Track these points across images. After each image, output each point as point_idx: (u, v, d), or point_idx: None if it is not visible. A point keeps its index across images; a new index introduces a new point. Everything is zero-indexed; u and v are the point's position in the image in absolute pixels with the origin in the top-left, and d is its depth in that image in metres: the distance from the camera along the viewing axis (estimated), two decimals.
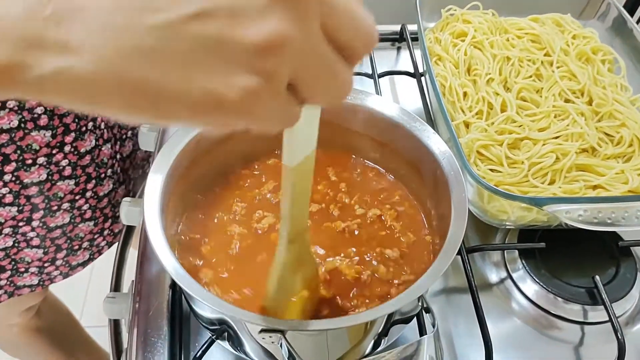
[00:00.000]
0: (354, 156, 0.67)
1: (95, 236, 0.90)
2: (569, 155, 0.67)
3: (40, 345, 1.15)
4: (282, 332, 0.47)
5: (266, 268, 0.51)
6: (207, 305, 0.46)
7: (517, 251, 0.69)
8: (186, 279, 0.48)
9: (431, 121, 0.79)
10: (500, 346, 0.62)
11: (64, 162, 0.77)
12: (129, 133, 0.91)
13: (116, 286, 0.81)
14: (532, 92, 0.75)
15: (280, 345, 0.48)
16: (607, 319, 0.62)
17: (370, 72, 0.87)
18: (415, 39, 0.91)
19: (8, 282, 0.84)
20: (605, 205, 0.59)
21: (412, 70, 0.88)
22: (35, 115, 0.72)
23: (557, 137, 0.69)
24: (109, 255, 1.05)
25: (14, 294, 0.85)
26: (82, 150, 0.79)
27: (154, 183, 0.54)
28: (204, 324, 0.58)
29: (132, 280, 0.70)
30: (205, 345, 0.58)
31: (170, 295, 0.65)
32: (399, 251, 0.59)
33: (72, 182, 0.79)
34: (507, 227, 0.70)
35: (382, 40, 0.97)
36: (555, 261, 0.68)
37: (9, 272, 0.82)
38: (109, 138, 0.84)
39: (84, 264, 0.90)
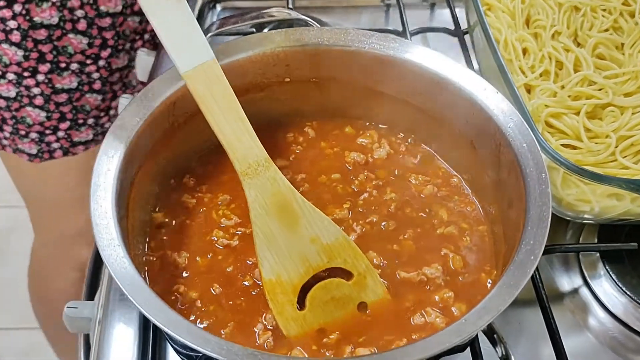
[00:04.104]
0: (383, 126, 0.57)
1: (102, 114, 0.88)
2: None
3: None
4: None
5: None
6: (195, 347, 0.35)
7: (597, 253, 0.59)
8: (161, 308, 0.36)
9: None
10: None
11: (79, 13, 0.77)
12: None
13: (90, 293, 0.73)
14: (612, 48, 0.64)
15: None
16: None
17: (400, 29, 0.75)
18: None
19: (10, 138, 0.86)
20: None
21: (451, 27, 0.77)
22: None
23: None
24: None
25: (16, 151, 0.88)
26: (103, 8, 0.78)
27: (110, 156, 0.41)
28: (179, 350, 0.45)
29: (100, 289, 0.60)
30: None
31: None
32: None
33: (85, 40, 0.79)
34: (585, 221, 0.59)
35: None
36: None
37: (10, 128, 0.84)
38: (140, 11, 0.81)
39: (86, 144, 0.89)
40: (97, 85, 0.85)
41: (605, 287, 0.58)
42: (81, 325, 0.60)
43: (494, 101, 0.48)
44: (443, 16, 0.83)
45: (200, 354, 0.41)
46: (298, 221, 0.45)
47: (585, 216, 0.57)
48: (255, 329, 0.43)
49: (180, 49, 0.44)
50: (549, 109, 0.58)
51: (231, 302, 0.43)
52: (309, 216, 0.46)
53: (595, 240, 0.60)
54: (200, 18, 0.83)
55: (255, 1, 0.87)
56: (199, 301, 0.44)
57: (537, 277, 0.54)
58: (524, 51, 0.65)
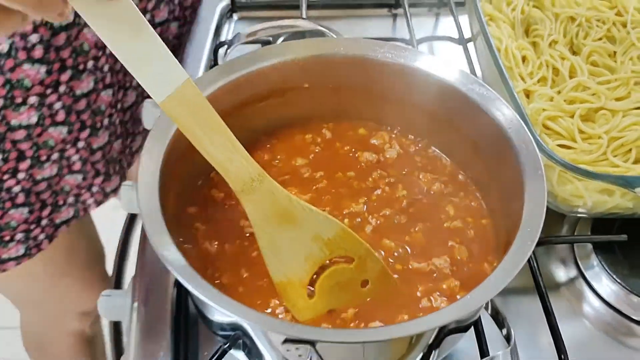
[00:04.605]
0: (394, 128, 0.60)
1: (82, 191, 0.84)
2: None
3: None
4: (312, 343, 0.39)
5: None
6: (221, 310, 0.38)
7: (590, 245, 0.62)
8: (194, 277, 0.40)
9: None
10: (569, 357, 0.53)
11: (58, 105, 0.72)
12: (134, 82, 0.84)
13: (117, 282, 0.80)
14: (605, 56, 0.68)
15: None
16: None
17: (407, 37, 0.79)
18: (458, 2, 0.83)
19: None
20: None
21: (455, 36, 0.80)
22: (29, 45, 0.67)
23: (639, 108, 0.62)
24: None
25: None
26: (78, 92, 0.73)
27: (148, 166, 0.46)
28: (214, 330, 0.49)
29: (132, 277, 0.63)
30: (215, 356, 0.48)
31: (175, 294, 0.58)
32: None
33: (64, 129, 0.74)
34: (580, 215, 0.62)
35: (419, 5, 0.90)
36: (637, 257, 0.61)
37: None
38: (112, 83, 0.78)
39: (67, 222, 0.84)
40: (76, 167, 0.81)
41: (599, 276, 0.60)
42: (115, 313, 0.63)
43: (495, 106, 0.51)
44: (447, 25, 0.85)
45: (234, 334, 0.46)
46: (298, 224, 0.46)
47: (579, 210, 0.60)
48: (277, 311, 0.47)
49: (152, 78, 0.41)
50: (546, 112, 0.61)
51: (258, 284, 0.47)
52: (308, 217, 0.46)
53: (589, 233, 0.63)
54: (219, 27, 0.86)
55: (269, 11, 0.90)
56: (229, 284, 0.48)
57: (536, 267, 0.57)
58: (524, 59, 0.68)
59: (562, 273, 0.62)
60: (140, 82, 0.40)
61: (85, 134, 0.78)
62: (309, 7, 0.83)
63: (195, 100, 0.41)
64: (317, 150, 0.58)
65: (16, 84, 0.67)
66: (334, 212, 0.53)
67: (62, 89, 0.71)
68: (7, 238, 0.79)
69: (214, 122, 0.42)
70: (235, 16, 0.89)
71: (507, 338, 0.44)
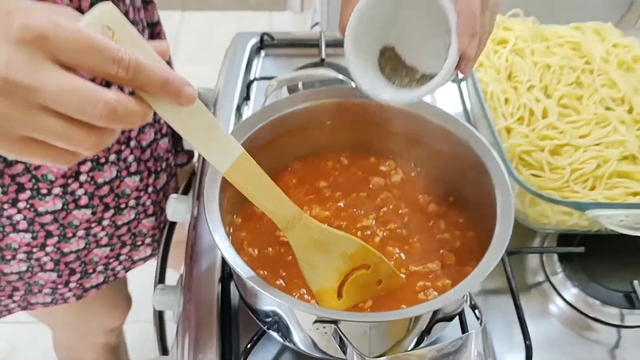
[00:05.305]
0: (398, 158, 0.70)
1: (111, 260, 0.86)
2: (610, 162, 0.68)
3: None
4: (336, 322, 0.49)
5: None
6: (274, 299, 0.49)
7: (556, 255, 0.70)
8: (251, 274, 0.51)
9: (472, 126, 0.80)
10: (539, 347, 0.63)
11: (80, 192, 0.74)
12: (164, 164, 0.88)
13: (160, 279, 0.84)
14: (573, 99, 0.77)
15: (334, 335, 0.50)
16: None
17: None
18: None
19: (21, 299, 0.83)
20: None
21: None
22: None
23: (598, 144, 0.71)
24: None
25: (27, 308, 0.85)
26: (100, 180, 0.75)
27: (212, 183, 0.57)
28: (256, 315, 0.60)
29: (181, 274, 0.73)
30: (256, 336, 0.60)
31: (219, 289, 0.68)
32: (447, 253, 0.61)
33: (88, 211, 0.77)
34: (547, 231, 0.71)
35: None
36: (593, 265, 0.69)
37: (22, 292, 0.82)
38: (138, 171, 0.80)
39: (97, 286, 0.88)
40: (103, 242, 0.82)
41: (562, 281, 0.68)
42: (167, 304, 0.74)
43: (479, 145, 0.60)
44: None
45: (271, 319, 0.57)
46: (328, 246, 0.55)
47: (547, 227, 0.69)
48: (312, 302, 0.57)
49: (216, 154, 0.47)
50: (522, 147, 0.70)
51: (294, 281, 0.58)
52: (335, 240, 0.55)
53: (555, 245, 0.71)
54: (249, 63, 0.95)
55: (291, 48, 0.99)
56: (270, 281, 0.58)
57: (510, 273, 0.66)
58: (506, 100, 0.76)
59: (533, 278, 0.70)
60: (206, 159, 0.47)
61: (109, 214, 0.79)
62: (327, 45, 0.92)
63: (249, 168, 0.49)
64: (336, 175, 0.68)
65: (41, 178, 0.70)
66: (349, 226, 0.64)
67: (82, 177, 0.73)
68: (36, 290, 0.82)
69: (264, 182, 0.50)
70: (262, 52, 0.99)
71: (480, 321, 0.55)
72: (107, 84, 0.40)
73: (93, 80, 0.38)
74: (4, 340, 1.61)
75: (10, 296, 0.81)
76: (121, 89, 0.44)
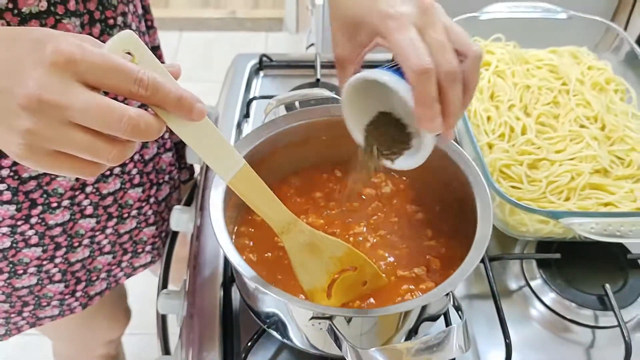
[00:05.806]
0: (389, 171, 0.73)
1: (113, 267, 0.89)
2: (583, 175, 0.73)
3: None
4: (331, 318, 0.54)
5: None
6: (273, 296, 0.53)
7: (535, 261, 0.74)
8: (252, 274, 0.56)
9: (456, 142, 0.85)
10: (520, 347, 0.68)
11: (86, 202, 0.78)
12: (166, 177, 0.91)
13: (164, 285, 0.88)
14: (550, 117, 0.81)
15: (329, 331, 0.54)
16: (616, 323, 0.67)
17: None
18: None
19: (30, 314, 0.85)
20: (615, 220, 0.66)
21: None
22: None
23: (572, 159, 0.76)
24: None
25: (35, 324, 0.87)
26: (105, 191, 0.79)
27: (216, 194, 0.61)
28: (256, 315, 0.64)
29: (184, 280, 0.76)
30: (256, 335, 0.65)
31: (222, 293, 0.72)
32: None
33: (93, 220, 0.80)
34: (526, 238, 0.76)
35: None
36: (569, 271, 0.73)
37: (32, 307, 0.83)
38: (140, 183, 0.84)
39: (101, 293, 0.90)
40: (106, 249, 0.85)
41: (541, 285, 0.72)
42: (171, 309, 0.77)
43: (463, 159, 0.64)
44: None
45: (270, 319, 0.60)
46: (319, 249, 0.59)
47: (525, 235, 0.73)
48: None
49: (221, 165, 0.50)
50: (502, 161, 0.75)
51: (290, 283, 0.61)
52: (325, 244, 0.59)
53: (534, 252, 0.75)
54: (249, 83, 1.00)
55: (288, 69, 1.03)
56: (269, 283, 0.60)
57: (492, 278, 0.70)
58: (488, 118, 0.81)
59: (513, 283, 0.75)
60: (213, 169, 0.50)
61: (112, 222, 0.83)
62: (322, 66, 0.96)
63: (251, 178, 0.53)
64: (330, 186, 0.72)
65: (52, 192, 0.73)
66: (343, 232, 0.67)
67: (88, 189, 0.76)
68: (45, 304, 0.84)
69: (263, 190, 0.54)
70: (261, 73, 1.03)
71: (461, 317, 0.59)
72: (124, 102, 0.43)
73: (115, 98, 0.41)
74: (3, 353, 1.63)
75: (19, 312, 0.84)
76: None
